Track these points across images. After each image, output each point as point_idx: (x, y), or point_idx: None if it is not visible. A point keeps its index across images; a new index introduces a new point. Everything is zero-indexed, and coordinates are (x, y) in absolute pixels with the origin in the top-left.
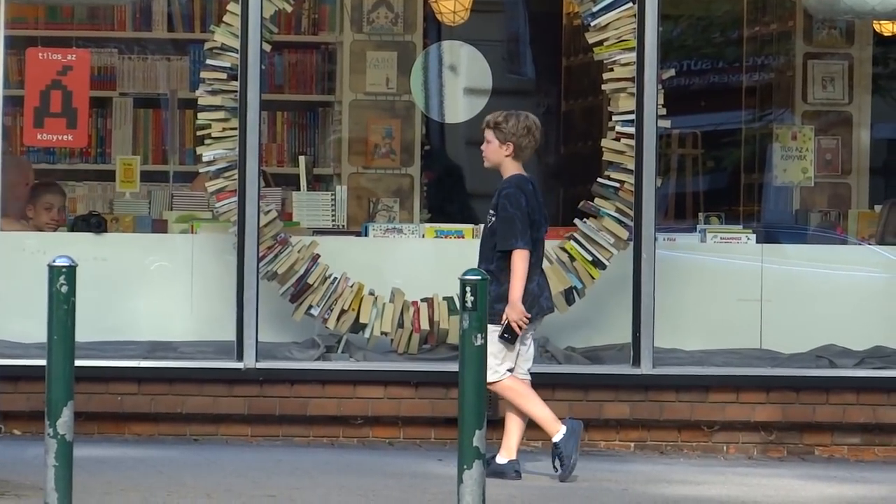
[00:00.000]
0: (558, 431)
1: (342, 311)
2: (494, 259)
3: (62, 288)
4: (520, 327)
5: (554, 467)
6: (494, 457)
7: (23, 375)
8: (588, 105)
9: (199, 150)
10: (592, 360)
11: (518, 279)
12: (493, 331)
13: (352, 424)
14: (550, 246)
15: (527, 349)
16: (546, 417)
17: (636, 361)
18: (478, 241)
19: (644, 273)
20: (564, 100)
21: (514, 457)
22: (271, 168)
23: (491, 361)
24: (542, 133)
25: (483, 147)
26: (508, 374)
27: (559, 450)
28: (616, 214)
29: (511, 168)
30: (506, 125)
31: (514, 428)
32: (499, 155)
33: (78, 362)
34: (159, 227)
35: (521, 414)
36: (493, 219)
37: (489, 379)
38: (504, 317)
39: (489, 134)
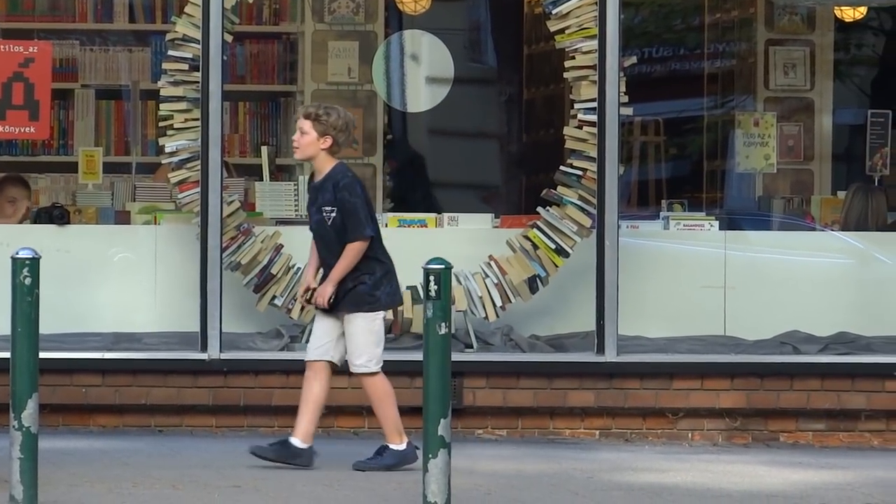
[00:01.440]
0: (401, 442)
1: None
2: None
3: (26, 280)
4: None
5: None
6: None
7: None
8: (550, 93)
9: (161, 141)
10: (556, 348)
11: (348, 267)
12: (373, 319)
13: None
14: (514, 234)
15: None
16: (399, 422)
17: (600, 349)
18: (442, 231)
19: (607, 261)
20: (526, 88)
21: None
22: (233, 159)
23: (373, 351)
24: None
25: (296, 138)
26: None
27: (383, 454)
28: (579, 202)
29: (329, 160)
30: (327, 118)
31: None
32: (315, 148)
33: (42, 354)
34: (122, 218)
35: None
36: (333, 214)
37: (370, 370)
38: (325, 295)
39: (307, 125)
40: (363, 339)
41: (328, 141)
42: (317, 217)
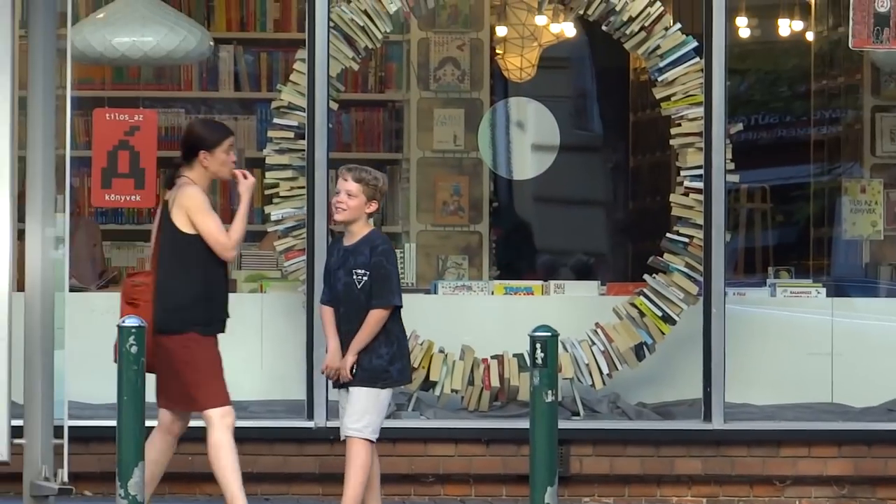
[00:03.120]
0: None
1: (412, 369)
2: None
3: (132, 348)
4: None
5: None
6: None
7: (93, 436)
8: (656, 160)
9: (267, 209)
10: (664, 416)
11: (369, 337)
12: (380, 393)
13: (423, 482)
14: (620, 301)
15: None
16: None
17: (707, 416)
18: (548, 299)
19: (714, 328)
20: (632, 155)
21: None
22: (339, 227)
23: (376, 420)
24: None
25: (342, 199)
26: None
27: None
28: (685, 269)
29: (367, 225)
30: (376, 183)
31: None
32: (360, 211)
33: (148, 423)
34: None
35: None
36: (365, 278)
37: (364, 435)
38: (347, 366)
39: (355, 188)
40: (369, 404)
41: (374, 206)
42: (346, 279)
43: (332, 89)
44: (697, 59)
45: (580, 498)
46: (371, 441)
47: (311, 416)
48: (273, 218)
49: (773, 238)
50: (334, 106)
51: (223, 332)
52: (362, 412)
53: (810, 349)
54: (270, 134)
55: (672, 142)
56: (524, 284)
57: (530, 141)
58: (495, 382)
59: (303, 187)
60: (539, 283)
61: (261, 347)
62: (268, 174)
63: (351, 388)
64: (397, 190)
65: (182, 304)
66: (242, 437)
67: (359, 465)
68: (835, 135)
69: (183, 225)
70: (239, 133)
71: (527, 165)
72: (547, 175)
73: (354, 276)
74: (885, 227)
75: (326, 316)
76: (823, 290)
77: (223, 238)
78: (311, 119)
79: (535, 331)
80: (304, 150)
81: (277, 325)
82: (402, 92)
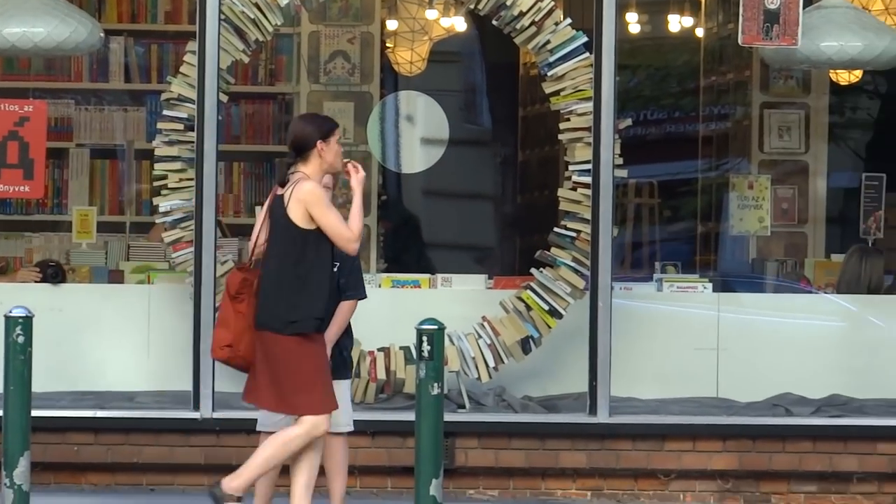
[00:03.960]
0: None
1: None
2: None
3: (19, 338)
4: None
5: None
6: None
7: None
8: (545, 155)
9: (155, 200)
10: (549, 409)
11: (342, 328)
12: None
13: None
14: (507, 295)
15: None
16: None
17: (593, 410)
18: (435, 292)
19: (601, 322)
20: (521, 149)
21: None
22: (227, 218)
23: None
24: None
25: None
26: None
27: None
28: (573, 264)
29: None
30: None
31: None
32: None
33: (34, 412)
34: (116, 277)
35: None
36: (335, 270)
37: (347, 429)
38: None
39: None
40: (349, 401)
41: None
42: None
43: (222, 81)
44: (587, 54)
45: (465, 490)
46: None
47: (196, 407)
48: (161, 209)
49: (660, 233)
50: (224, 98)
51: (322, 331)
52: (347, 405)
53: (696, 344)
54: (160, 125)
55: (561, 136)
56: (411, 277)
57: (419, 135)
58: (381, 375)
59: (191, 179)
60: (426, 276)
61: (148, 338)
62: (157, 166)
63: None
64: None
65: (293, 302)
66: (128, 427)
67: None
68: (723, 131)
69: (300, 220)
70: (128, 124)
71: (416, 159)
72: (436, 169)
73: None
74: (772, 223)
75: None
76: (710, 286)
77: (346, 231)
78: (200, 111)
79: (421, 324)
80: (193, 142)
81: (164, 316)
82: (292, 84)
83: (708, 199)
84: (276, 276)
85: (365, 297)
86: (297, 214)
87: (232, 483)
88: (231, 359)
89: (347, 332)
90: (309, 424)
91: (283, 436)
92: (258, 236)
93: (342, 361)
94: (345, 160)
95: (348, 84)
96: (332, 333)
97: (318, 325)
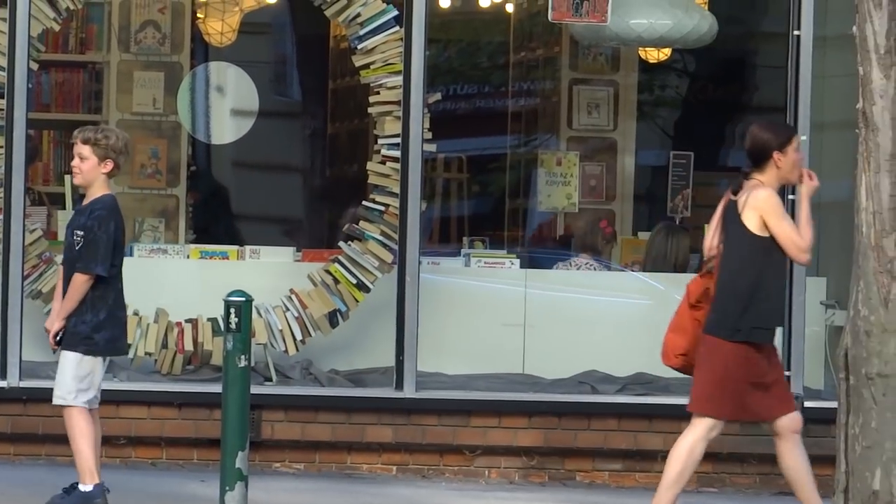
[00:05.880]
0: (92, 483)
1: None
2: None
3: None
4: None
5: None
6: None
7: None
8: (354, 128)
9: None
10: (356, 383)
11: (74, 301)
12: (82, 361)
13: (115, 444)
14: (315, 268)
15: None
16: (91, 462)
17: (399, 385)
18: (243, 264)
19: (408, 296)
20: (331, 122)
21: (97, 480)
22: (36, 187)
23: (72, 384)
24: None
25: (76, 164)
26: (85, 404)
27: (70, 493)
28: (380, 237)
29: (102, 187)
30: (106, 142)
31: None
32: (96, 173)
33: None
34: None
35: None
36: (81, 241)
37: (68, 402)
38: (52, 332)
39: (86, 150)
40: (69, 374)
41: (109, 165)
42: (69, 240)
43: (33, 49)
44: (397, 27)
45: (271, 463)
46: (76, 406)
47: (3, 376)
48: None
49: (468, 208)
50: (34, 66)
51: (771, 341)
52: (62, 377)
53: (503, 320)
54: None
55: (370, 110)
56: (220, 249)
57: (229, 106)
58: (189, 346)
59: (1, 147)
60: (235, 247)
61: None
62: None
63: (61, 353)
64: None
65: (743, 309)
66: None
67: (72, 433)
68: (533, 107)
69: (755, 227)
70: None
71: (225, 130)
72: (245, 140)
73: (75, 237)
74: (580, 199)
75: (59, 275)
76: (518, 262)
77: (799, 241)
78: (10, 78)
79: (229, 295)
80: (2, 110)
81: None
82: (102, 53)
83: (517, 175)
84: (729, 283)
85: (94, 271)
86: (751, 222)
87: None
88: (684, 367)
89: (94, 308)
90: (705, 427)
91: (684, 446)
92: (712, 240)
93: (75, 333)
94: (801, 169)
95: (159, 54)
96: (63, 306)
97: (766, 336)
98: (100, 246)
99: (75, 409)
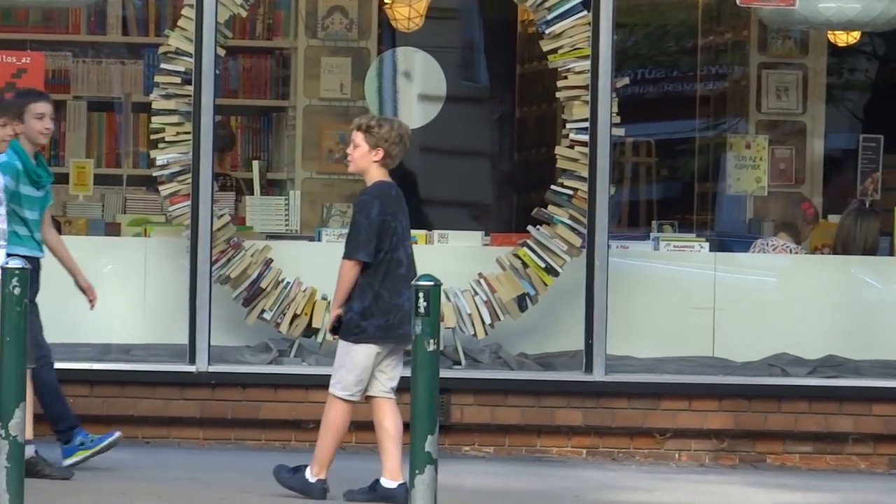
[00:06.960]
0: (316, 475)
1: (295, 316)
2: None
3: (15, 290)
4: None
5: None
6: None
7: None
8: (542, 112)
9: (152, 153)
10: (545, 367)
11: (342, 289)
12: (355, 349)
13: (304, 428)
14: (504, 252)
15: (392, 368)
16: (324, 455)
17: (588, 368)
18: (432, 248)
19: (597, 280)
20: (518, 107)
21: (323, 476)
22: (230, 172)
23: (341, 374)
24: (410, 143)
25: (350, 150)
26: (358, 395)
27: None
28: (569, 222)
29: (376, 174)
30: (378, 130)
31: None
32: (367, 160)
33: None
34: (112, 230)
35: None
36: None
37: (333, 391)
38: (330, 322)
39: (359, 138)
40: (338, 362)
41: (380, 153)
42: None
43: (220, 35)
44: (585, 12)
45: (460, 447)
46: (341, 398)
47: (192, 361)
48: (158, 163)
49: (657, 192)
50: (221, 52)
51: None
52: (336, 367)
53: (692, 303)
54: (157, 79)
55: (558, 94)
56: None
57: (417, 91)
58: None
59: (189, 133)
60: (423, 232)
61: (144, 291)
62: (154, 119)
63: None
64: (283, 137)
65: None
66: (124, 379)
67: (326, 424)
68: (721, 90)
69: None
70: (126, 77)
71: (413, 115)
72: (433, 125)
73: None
74: (769, 183)
75: None
76: (707, 245)
77: None
78: (198, 65)
79: (418, 280)
80: (190, 96)
81: (161, 269)
82: (289, 39)
83: (705, 159)
84: None
85: (356, 257)
86: None
87: None
88: None
89: (361, 295)
90: None
91: None
92: None
93: (346, 322)
94: None
95: (346, 39)
96: (334, 297)
97: None
98: (361, 231)
99: (337, 400)
